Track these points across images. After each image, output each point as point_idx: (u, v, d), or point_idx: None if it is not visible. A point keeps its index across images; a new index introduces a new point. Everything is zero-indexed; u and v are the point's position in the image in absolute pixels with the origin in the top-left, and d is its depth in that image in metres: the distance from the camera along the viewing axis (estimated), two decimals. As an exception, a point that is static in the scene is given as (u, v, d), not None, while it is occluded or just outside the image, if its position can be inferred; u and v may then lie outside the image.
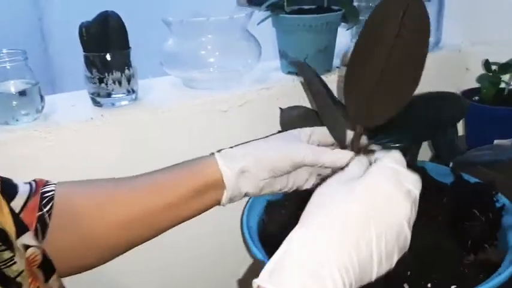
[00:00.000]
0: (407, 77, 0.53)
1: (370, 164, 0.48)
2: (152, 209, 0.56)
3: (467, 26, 1.00)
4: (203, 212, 0.59)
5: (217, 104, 0.76)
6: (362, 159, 0.49)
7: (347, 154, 0.57)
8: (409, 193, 0.44)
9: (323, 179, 0.49)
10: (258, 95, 0.79)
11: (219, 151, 0.59)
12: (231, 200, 0.59)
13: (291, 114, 0.75)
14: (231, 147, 0.60)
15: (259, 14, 0.83)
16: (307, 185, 0.63)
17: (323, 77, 0.73)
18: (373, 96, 0.55)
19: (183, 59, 0.78)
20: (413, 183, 0.45)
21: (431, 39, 0.97)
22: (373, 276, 0.41)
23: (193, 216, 0.59)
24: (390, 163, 0.45)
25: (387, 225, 0.41)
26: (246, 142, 0.62)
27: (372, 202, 0.41)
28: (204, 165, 0.58)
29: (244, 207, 0.71)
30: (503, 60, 0.88)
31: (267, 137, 0.63)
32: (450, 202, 0.65)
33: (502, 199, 0.66)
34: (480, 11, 0.97)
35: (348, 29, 0.87)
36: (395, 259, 0.42)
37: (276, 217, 0.72)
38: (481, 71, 0.99)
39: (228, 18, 0.76)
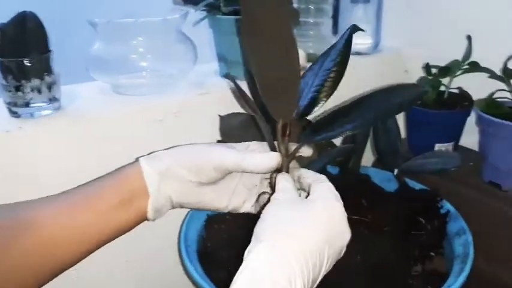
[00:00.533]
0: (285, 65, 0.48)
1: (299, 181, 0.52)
2: (74, 229, 0.50)
3: (406, 28, 1.00)
4: (130, 228, 0.53)
5: (151, 111, 0.71)
6: (284, 175, 0.51)
7: (271, 156, 0.52)
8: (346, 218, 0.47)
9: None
10: (196, 101, 0.75)
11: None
12: (158, 211, 0.53)
13: (231, 122, 0.71)
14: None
15: (195, 14, 0.78)
16: (245, 208, 0.58)
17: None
18: (274, 89, 0.49)
19: (112, 63, 0.71)
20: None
21: (371, 42, 0.95)
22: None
23: (119, 235, 0.53)
24: (332, 189, 0.48)
25: (337, 248, 0.45)
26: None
27: (330, 230, 0.44)
28: (129, 171, 0.53)
29: (182, 223, 0.67)
30: (441, 62, 0.88)
31: None
32: (396, 211, 0.64)
33: (447, 205, 0.66)
34: (419, 14, 0.97)
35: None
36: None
37: (217, 233, 0.68)
38: (419, 73, 0.99)
39: (160, 19, 0.71)
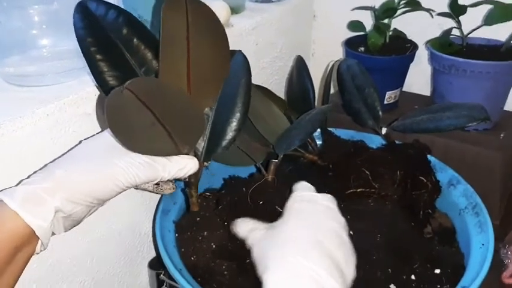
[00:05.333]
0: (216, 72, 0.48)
1: None
2: None
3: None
4: (21, 274, 0.43)
5: (77, 105, 0.52)
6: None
7: (190, 161, 0.48)
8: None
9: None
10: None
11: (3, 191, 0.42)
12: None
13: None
14: (24, 182, 0.43)
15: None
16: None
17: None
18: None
19: (6, 44, 0.50)
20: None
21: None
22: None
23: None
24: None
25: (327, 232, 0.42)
26: (49, 163, 0.45)
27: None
28: (2, 222, 0.40)
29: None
30: (352, 5, 0.83)
31: (78, 144, 0.47)
32: (394, 174, 0.57)
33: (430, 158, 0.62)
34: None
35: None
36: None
37: (195, 243, 0.54)
38: (326, 18, 0.94)
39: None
